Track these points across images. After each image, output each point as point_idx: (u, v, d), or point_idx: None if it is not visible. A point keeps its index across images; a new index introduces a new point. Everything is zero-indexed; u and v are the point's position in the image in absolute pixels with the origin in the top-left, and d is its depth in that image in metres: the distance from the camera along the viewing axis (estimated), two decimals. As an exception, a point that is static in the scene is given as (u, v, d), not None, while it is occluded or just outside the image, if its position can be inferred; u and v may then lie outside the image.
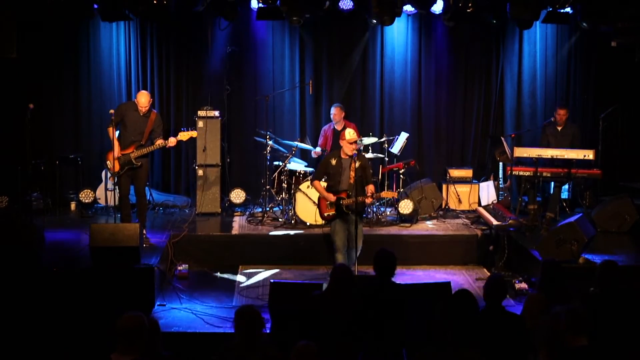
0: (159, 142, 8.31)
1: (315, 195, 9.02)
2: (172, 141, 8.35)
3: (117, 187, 8.39)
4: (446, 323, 4.27)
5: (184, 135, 8.52)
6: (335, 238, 7.67)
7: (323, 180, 7.93)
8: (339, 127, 9.84)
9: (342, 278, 5.32)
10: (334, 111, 9.82)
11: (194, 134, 8.66)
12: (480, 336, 4.76)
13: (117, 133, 8.33)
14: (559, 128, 9.47)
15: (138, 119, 8.26)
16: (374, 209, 9.62)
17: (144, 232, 8.52)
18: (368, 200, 7.66)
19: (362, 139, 9.48)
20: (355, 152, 7.59)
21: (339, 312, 5.20)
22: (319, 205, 7.92)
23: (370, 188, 7.61)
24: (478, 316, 4.84)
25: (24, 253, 7.20)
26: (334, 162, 7.69)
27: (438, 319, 4.38)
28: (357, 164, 7.50)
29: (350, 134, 7.61)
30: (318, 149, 9.88)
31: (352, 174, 7.49)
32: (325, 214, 7.77)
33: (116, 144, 8.18)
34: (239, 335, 4.39)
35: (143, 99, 8.23)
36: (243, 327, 4.37)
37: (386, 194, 8.13)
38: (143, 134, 8.27)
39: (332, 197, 7.66)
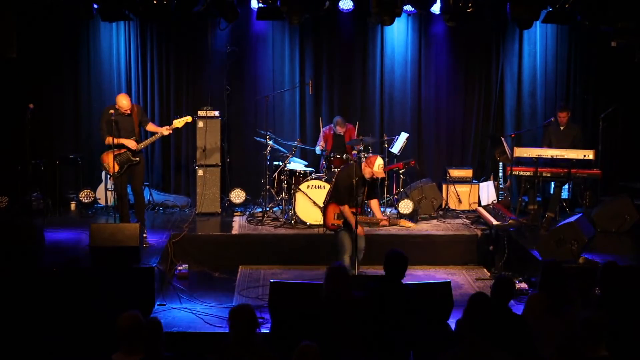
0: (152, 128, 8.44)
1: (315, 195, 9.05)
2: (166, 130, 8.42)
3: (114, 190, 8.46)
4: (476, 324, 4.28)
5: (178, 123, 8.57)
6: (344, 242, 7.55)
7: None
8: (338, 132, 9.84)
9: (338, 278, 5.30)
10: (339, 129, 9.79)
11: (188, 119, 8.69)
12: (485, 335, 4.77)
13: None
14: (562, 128, 9.49)
15: (124, 119, 8.29)
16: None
17: (145, 232, 8.54)
18: (382, 223, 7.65)
19: (363, 138, 9.48)
20: (356, 153, 7.57)
21: (340, 312, 5.19)
22: (324, 215, 7.77)
23: (375, 204, 7.65)
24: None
25: (24, 253, 7.20)
26: (355, 182, 7.41)
27: (468, 320, 4.37)
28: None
29: (379, 167, 7.41)
30: (322, 144, 9.85)
31: (366, 189, 7.53)
32: (330, 224, 7.67)
33: (123, 140, 8.17)
34: (233, 334, 4.38)
35: (125, 101, 8.23)
36: (237, 326, 4.36)
37: (404, 223, 7.95)
38: (134, 130, 8.34)
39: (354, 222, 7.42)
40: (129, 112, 8.28)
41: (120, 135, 8.26)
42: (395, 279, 5.50)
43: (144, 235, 8.44)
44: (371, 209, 7.86)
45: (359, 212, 7.48)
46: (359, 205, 7.51)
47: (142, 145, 8.36)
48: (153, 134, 8.71)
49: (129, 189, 8.63)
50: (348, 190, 7.45)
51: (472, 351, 4.24)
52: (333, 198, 7.65)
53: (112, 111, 8.14)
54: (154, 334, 4.37)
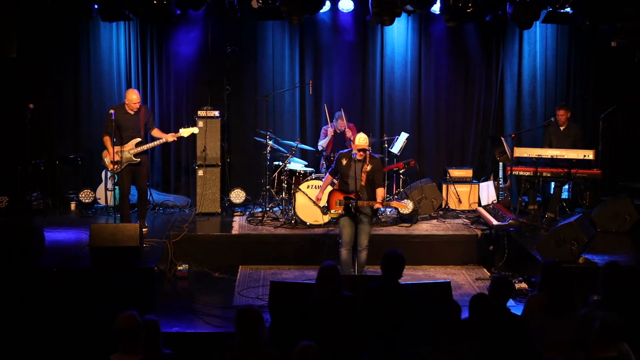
0: (157, 134, 8.61)
1: (315, 195, 9.03)
2: (171, 137, 8.61)
3: (116, 186, 8.58)
4: (447, 322, 4.29)
5: (185, 132, 8.76)
6: (343, 232, 7.57)
7: (336, 178, 7.86)
8: (339, 130, 9.85)
9: (329, 276, 5.32)
10: (342, 123, 9.78)
11: (195, 130, 8.88)
12: (485, 336, 4.77)
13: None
14: (562, 128, 9.50)
15: (131, 118, 8.47)
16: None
17: (145, 226, 8.76)
18: (376, 206, 7.54)
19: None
20: (361, 154, 7.45)
21: (332, 311, 5.19)
22: (328, 202, 7.75)
23: (380, 192, 7.52)
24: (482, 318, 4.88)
25: (24, 253, 7.20)
26: (344, 162, 7.58)
27: (441, 319, 4.39)
28: (369, 167, 7.45)
29: (359, 139, 7.47)
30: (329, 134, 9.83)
31: (364, 176, 7.45)
32: (332, 210, 7.72)
33: (111, 151, 8.35)
34: (239, 335, 4.39)
35: (134, 95, 8.45)
36: (244, 327, 4.37)
37: (396, 204, 7.87)
38: (140, 130, 8.50)
39: (318, 198, 7.83)
40: (138, 106, 8.43)
41: (123, 135, 8.42)
42: (393, 278, 5.51)
43: (144, 229, 8.64)
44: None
45: (354, 198, 7.47)
46: (353, 191, 7.48)
47: (144, 147, 8.50)
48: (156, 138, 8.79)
49: (133, 190, 8.84)
50: (336, 165, 7.68)
51: (444, 348, 4.27)
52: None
53: (112, 111, 8.33)
54: (152, 333, 4.38)
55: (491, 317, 4.94)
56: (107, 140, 8.41)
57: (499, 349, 4.72)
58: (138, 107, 8.45)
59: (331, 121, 10.05)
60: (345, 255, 7.52)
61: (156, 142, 8.71)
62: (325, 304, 5.24)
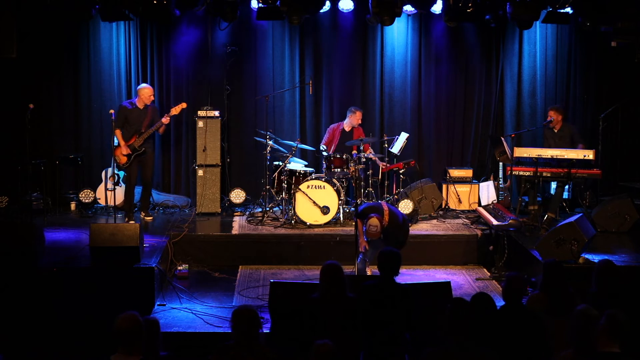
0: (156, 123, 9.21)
1: (315, 195, 9.07)
2: (165, 119, 9.20)
3: (117, 185, 9.07)
4: (459, 323, 4.28)
5: (174, 110, 9.34)
6: (367, 250, 7.67)
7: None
8: (347, 128, 9.86)
9: (333, 276, 5.33)
10: (359, 115, 9.81)
11: (183, 105, 9.44)
12: (499, 334, 4.77)
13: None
14: (556, 130, 9.51)
15: (139, 114, 9.17)
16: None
17: (150, 216, 9.43)
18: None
19: (363, 139, 9.50)
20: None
21: (333, 311, 5.20)
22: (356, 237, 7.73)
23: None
24: (496, 316, 4.88)
25: (24, 253, 7.19)
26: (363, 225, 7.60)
27: (452, 318, 4.37)
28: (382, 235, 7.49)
29: (370, 229, 7.37)
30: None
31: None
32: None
33: (123, 143, 9.08)
34: (236, 335, 4.39)
35: (148, 90, 9.22)
36: (240, 327, 4.37)
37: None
38: (141, 126, 9.12)
39: (362, 244, 7.64)
40: (153, 98, 9.20)
41: (129, 130, 9.13)
42: (389, 276, 5.52)
43: (149, 218, 9.33)
44: None
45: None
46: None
47: (144, 135, 9.12)
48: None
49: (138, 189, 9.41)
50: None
51: (457, 350, 4.25)
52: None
53: (112, 111, 8.74)
54: (151, 333, 4.38)
55: (506, 314, 4.94)
56: (118, 133, 9.05)
57: (515, 346, 4.73)
58: (153, 99, 9.20)
59: (332, 124, 10.06)
60: (362, 264, 7.59)
61: (153, 128, 9.17)
62: (327, 302, 5.24)
